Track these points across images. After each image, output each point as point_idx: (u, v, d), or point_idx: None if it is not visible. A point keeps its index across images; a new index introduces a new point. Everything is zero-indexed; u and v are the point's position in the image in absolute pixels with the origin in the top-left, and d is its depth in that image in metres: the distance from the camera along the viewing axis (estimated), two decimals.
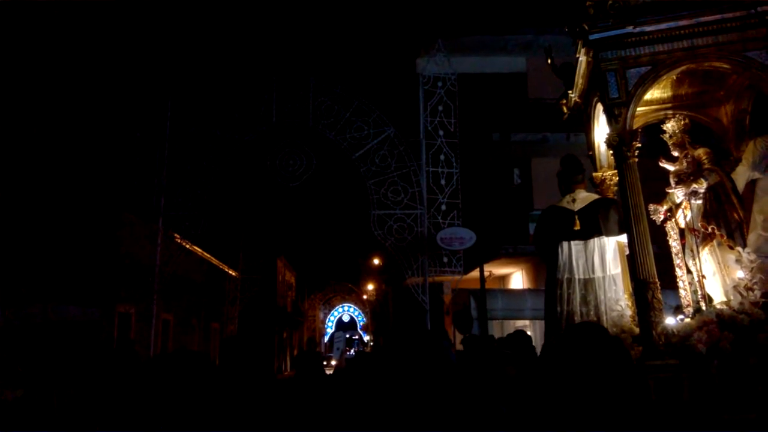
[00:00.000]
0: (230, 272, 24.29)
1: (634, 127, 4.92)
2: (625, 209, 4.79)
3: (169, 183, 15.26)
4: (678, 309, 5.60)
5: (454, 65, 15.82)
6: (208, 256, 22.48)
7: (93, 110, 14.91)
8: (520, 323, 15.58)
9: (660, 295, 4.61)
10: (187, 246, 17.07)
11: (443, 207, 15.27)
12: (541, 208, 15.54)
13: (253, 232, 23.89)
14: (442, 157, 15.49)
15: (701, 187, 5.06)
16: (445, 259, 15.22)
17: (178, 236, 15.64)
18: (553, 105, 16.13)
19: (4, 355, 9.02)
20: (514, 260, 16.56)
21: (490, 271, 16.41)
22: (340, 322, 48.57)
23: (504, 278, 18.76)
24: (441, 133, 15.57)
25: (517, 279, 17.83)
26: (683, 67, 4.86)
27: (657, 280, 4.62)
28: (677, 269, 5.42)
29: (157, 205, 15.12)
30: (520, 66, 17.42)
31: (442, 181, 15.39)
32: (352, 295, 45.96)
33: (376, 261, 40.10)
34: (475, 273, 14.64)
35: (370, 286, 45.92)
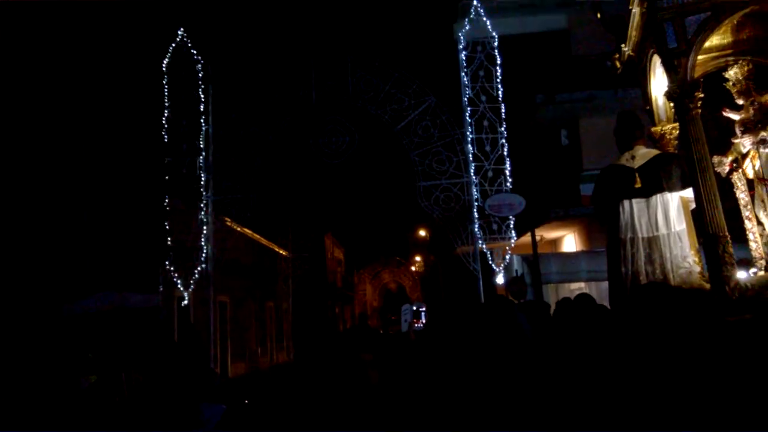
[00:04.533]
0: (281, 252, 24.65)
1: (695, 77, 4.72)
2: (690, 163, 4.62)
3: (215, 168, 15.53)
4: (745, 262, 5.42)
5: (492, 27, 15.49)
6: (259, 237, 22.85)
7: (138, 100, 15.19)
8: (575, 286, 15.40)
9: (731, 249, 4.47)
10: (238, 229, 17.36)
11: (490, 173, 15.09)
12: (591, 169, 15.26)
13: (300, 211, 24.14)
14: (485, 122, 15.25)
15: None
16: (495, 226, 15.10)
17: (228, 219, 15.95)
18: (598, 61, 15.77)
19: (76, 343, 9.38)
20: (566, 223, 16.31)
21: (542, 236, 16.21)
22: (388, 293, 48.91)
23: (556, 242, 18.51)
24: (483, 98, 15.31)
25: (570, 242, 17.57)
26: (747, 10, 4.61)
27: (727, 233, 4.47)
28: (746, 222, 5.22)
29: (205, 190, 15.42)
30: (560, 23, 16.96)
31: (487, 148, 15.17)
32: (401, 267, 46.19)
33: (422, 233, 40.14)
34: (527, 238, 14.48)
35: (418, 258, 46.08)
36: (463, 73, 15.46)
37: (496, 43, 15.42)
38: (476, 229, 14.86)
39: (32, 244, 12.48)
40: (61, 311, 10.02)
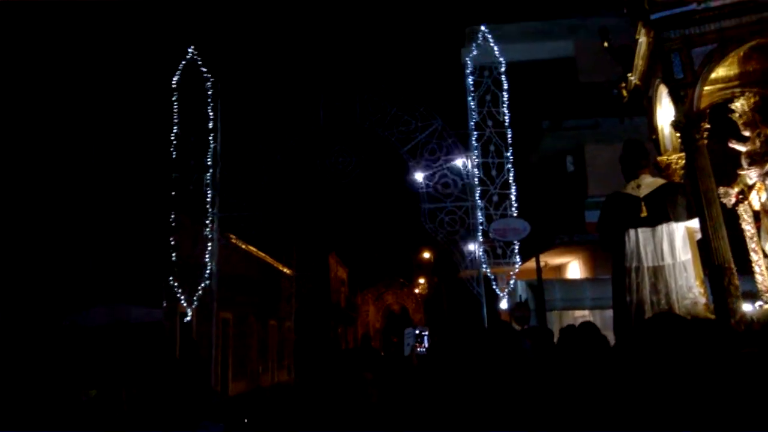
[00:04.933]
0: (285, 270, 24.61)
1: (701, 107, 4.75)
2: (696, 193, 4.63)
3: (222, 185, 15.60)
4: (750, 295, 5.39)
5: (499, 54, 15.61)
6: (263, 255, 22.84)
7: (147, 116, 15.31)
8: (579, 313, 15.30)
9: (737, 281, 4.45)
10: (243, 246, 17.37)
11: (495, 198, 15.11)
12: (596, 195, 15.26)
13: (305, 230, 24.15)
14: (492, 147, 15.31)
15: None
16: (500, 251, 15.07)
17: (233, 237, 15.96)
18: (605, 88, 15.79)
19: (77, 357, 9.36)
20: (570, 249, 16.26)
21: (546, 262, 16.16)
22: (391, 314, 48.64)
23: (560, 268, 18.45)
24: (490, 122, 15.38)
25: (574, 268, 17.50)
26: (753, 42, 4.65)
27: (733, 265, 4.46)
28: (752, 254, 5.20)
29: (212, 207, 15.47)
30: (567, 50, 17.07)
31: (493, 172, 15.21)
32: (404, 289, 46.06)
33: (426, 255, 40.09)
34: (531, 264, 14.43)
35: (422, 281, 45.95)
36: (470, 98, 15.56)
37: (503, 69, 15.54)
38: (480, 253, 14.84)
39: (36, 255, 12.52)
40: (63, 323, 10.01)
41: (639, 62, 5.46)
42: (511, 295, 14.87)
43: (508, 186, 15.10)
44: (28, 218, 12.68)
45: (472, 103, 15.48)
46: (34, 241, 12.66)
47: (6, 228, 12.72)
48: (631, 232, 5.37)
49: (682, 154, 5.42)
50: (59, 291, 10.37)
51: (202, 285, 15.34)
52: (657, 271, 5.27)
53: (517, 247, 14.90)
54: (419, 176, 15.67)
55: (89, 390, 9.06)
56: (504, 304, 15.02)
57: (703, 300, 5.04)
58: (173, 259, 15.18)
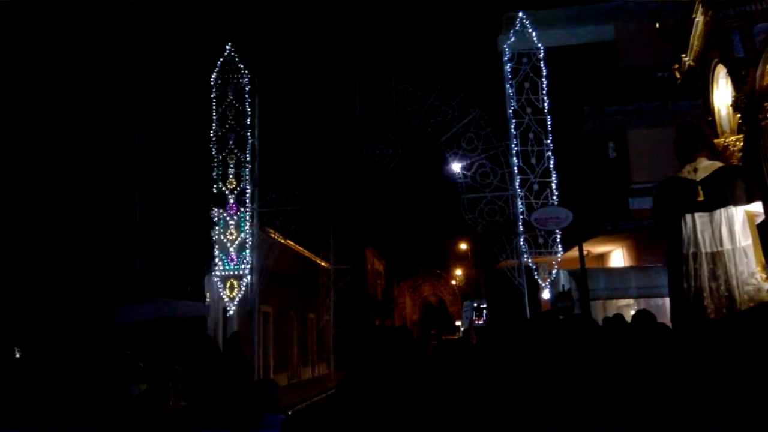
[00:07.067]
0: (322, 264, 24.74)
1: (764, 86, 4.56)
2: (759, 175, 4.46)
3: (260, 180, 15.71)
4: None
5: (538, 39, 15.34)
6: (301, 249, 22.98)
7: (186, 113, 15.51)
8: (624, 302, 15.01)
9: None
10: (281, 240, 17.51)
11: (535, 186, 14.89)
12: (639, 182, 14.91)
13: (342, 223, 24.20)
14: (531, 135, 15.08)
15: None
16: (541, 240, 14.86)
17: (272, 231, 16.09)
18: (647, 72, 15.37)
19: (127, 351, 9.55)
20: (614, 238, 15.94)
21: (588, 251, 15.89)
22: (428, 306, 48.49)
23: (603, 257, 18.11)
24: (529, 110, 15.15)
25: (618, 257, 17.16)
26: None
27: None
28: None
29: (251, 202, 15.60)
30: (608, 34, 16.68)
31: (533, 160, 14.98)
32: (441, 281, 45.90)
33: (464, 246, 39.90)
34: (573, 253, 14.18)
35: (459, 272, 45.73)
36: (508, 85, 15.33)
37: (542, 55, 15.27)
38: (521, 243, 14.67)
39: (82, 252, 12.82)
40: (112, 317, 10.22)
41: (694, 42, 5.28)
42: (554, 284, 14.66)
43: (548, 174, 14.86)
44: (81, 213, 12.99)
45: (510, 91, 15.27)
46: (81, 238, 12.96)
47: (52, 225, 13.05)
48: (688, 217, 5.21)
49: (740, 135, 5.23)
50: (108, 285, 10.59)
51: (243, 280, 15.52)
52: (716, 257, 5.09)
53: (558, 236, 14.68)
54: (457, 167, 15.54)
55: (140, 384, 9.24)
56: (546, 294, 14.82)
57: (766, 286, 4.86)
58: (216, 254, 15.38)
